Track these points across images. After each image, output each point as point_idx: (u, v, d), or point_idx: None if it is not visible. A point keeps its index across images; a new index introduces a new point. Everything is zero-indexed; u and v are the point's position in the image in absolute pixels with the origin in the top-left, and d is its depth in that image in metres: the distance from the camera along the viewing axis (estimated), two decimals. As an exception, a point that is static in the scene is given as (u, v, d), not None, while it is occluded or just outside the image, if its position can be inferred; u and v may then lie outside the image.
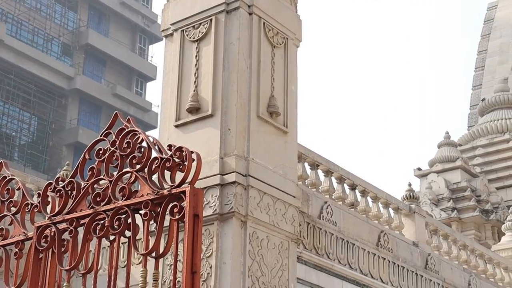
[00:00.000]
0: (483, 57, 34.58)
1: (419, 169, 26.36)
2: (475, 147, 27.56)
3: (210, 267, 7.36)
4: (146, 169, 5.36)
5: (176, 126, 8.17)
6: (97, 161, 5.62)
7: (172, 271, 5.17)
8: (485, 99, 29.59)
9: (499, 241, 19.25)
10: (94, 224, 5.45)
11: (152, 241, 5.21)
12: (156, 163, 5.33)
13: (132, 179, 5.43)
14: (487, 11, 36.10)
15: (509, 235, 17.29)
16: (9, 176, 6.23)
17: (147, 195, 5.29)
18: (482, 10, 36.92)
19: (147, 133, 5.66)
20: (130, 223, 5.31)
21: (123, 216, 5.33)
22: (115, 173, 5.53)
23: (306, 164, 9.91)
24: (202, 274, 7.35)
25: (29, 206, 6.01)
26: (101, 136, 5.74)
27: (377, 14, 78.43)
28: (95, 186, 5.61)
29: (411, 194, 11.89)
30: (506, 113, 28.35)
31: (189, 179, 5.22)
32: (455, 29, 75.25)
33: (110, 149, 5.56)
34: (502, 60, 33.72)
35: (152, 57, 44.35)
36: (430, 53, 75.91)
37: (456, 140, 27.80)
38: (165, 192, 5.23)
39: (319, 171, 10.13)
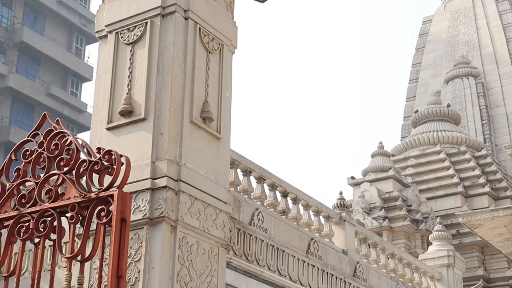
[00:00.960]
0: (417, 69, 35.31)
1: (352, 177, 26.71)
2: (407, 158, 28.09)
3: (139, 272, 7.31)
4: (73, 172, 5.28)
5: (108, 129, 8.09)
6: (23, 162, 5.52)
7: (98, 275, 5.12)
8: (418, 111, 30.21)
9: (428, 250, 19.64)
10: (18, 226, 5.34)
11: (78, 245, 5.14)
12: (84, 166, 5.26)
13: (59, 181, 5.35)
14: (422, 25, 36.89)
15: (436, 245, 17.66)
16: None
17: (74, 198, 5.21)
18: (418, 24, 37.66)
19: (81, 134, 5.60)
20: (55, 226, 5.23)
21: (49, 218, 5.24)
22: (42, 175, 5.44)
23: (238, 170, 9.95)
24: (130, 279, 7.29)
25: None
26: (28, 136, 5.63)
27: (314, 21, 79.26)
28: (20, 187, 5.51)
29: (342, 202, 12.05)
30: (438, 125, 29.00)
31: (117, 183, 5.17)
32: (392, 41, 76.57)
33: (37, 150, 5.47)
34: (435, 74, 34.50)
35: (89, 57, 43.80)
36: (367, 63, 77.09)
37: (389, 150, 28.29)
38: (93, 195, 5.16)
39: (252, 178, 10.18)
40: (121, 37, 8.34)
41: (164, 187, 7.50)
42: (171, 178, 7.56)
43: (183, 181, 7.65)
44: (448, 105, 30.06)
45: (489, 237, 16.36)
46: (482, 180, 26.57)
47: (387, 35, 77.74)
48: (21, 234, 5.30)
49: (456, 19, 35.82)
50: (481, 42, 34.27)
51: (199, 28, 8.39)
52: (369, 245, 12.62)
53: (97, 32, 8.68)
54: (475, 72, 32.79)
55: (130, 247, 7.32)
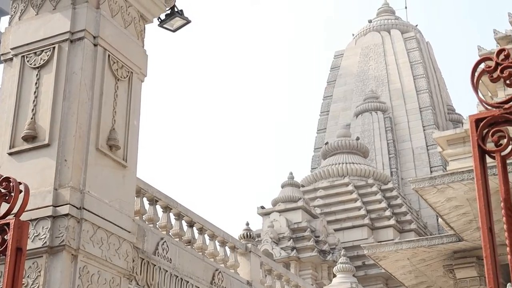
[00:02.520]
0: (328, 102, 36.00)
1: (262, 207, 26.85)
2: (316, 189, 28.49)
3: (36, 302, 7.11)
4: (-31, 199, 5.12)
5: (10, 154, 7.90)
6: None
7: (-10, 306, 4.96)
8: (328, 143, 30.76)
9: (334, 281, 19.88)
10: None
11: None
12: (-19, 193, 5.10)
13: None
14: (334, 59, 37.70)
15: (340, 277, 17.90)
16: None
17: (-32, 225, 5.05)
18: (330, 57, 38.47)
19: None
20: None
21: None
22: None
23: (145, 199, 9.86)
24: (27, 309, 7.09)
25: None
26: None
27: (227, 51, 79.87)
28: None
29: (248, 233, 12.08)
30: (347, 158, 29.58)
31: (15, 211, 5.04)
32: (306, 73, 77.90)
33: None
34: (346, 107, 35.25)
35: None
36: (280, 94, 78.06)
37: (299, 181, 28.61)
38: (-12, 223, 5.01)
39: (158, 207, 10.10)
40: (27, 61, 8.19)
41: (66, 215, 7.36)
42: (73, 206, 7.43)
43: (86, 209, 7.52)
44: (357, 138, 30.72)
45: (393, 269, 16.72)
46: (388, 213, 27.18)
47: (301, 67, 79.02)
48: None
49: (366, 54, 36.78)
50: (389, 78, 35.27)
51: (108, 55, 8.33)
52: (274, 276, 12.69)
53: (2, 54, 8.49)
54: (384, 107, 33.68)
55: (28, 277, 7.12)
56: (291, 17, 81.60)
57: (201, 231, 10.81)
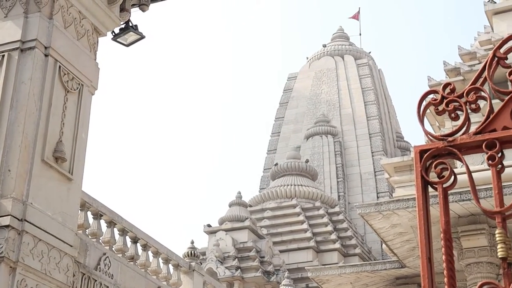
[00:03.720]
0: (280, 124, 36.18)
1: (208, 225, 26.76)
2: (264, 209, 28.53)
3: (-29, 315, 6.94)
4: None
5: (-48, 161, 7.71)
6: None
7: None
8: (277, 164, 30.87)
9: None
10: None
11: None
12: None
13: None
14: (287, 81, 37.96)
15: (283, 298, 17.90)
16: None
17: None
18: (284, 79, 38.71)
19: None
20: None
21: None
22: None
23: (89, 213, 9.73)
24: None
25: None
26: None
27: (183, 69, 79.80)
28: None
29: (192, 251, 12.01)
30: (296, 180, 29.71)
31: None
32: (259, 93, 78.19)
33: None
34: (297, 129, 35.47)
35: None
36: (231, 114, 78.15)
37: (247, 201, 28.61)
38: None
39: (102, 221, 9.97)
40: (-25, 68, 8.03)
41: (7, 226, 7.21)
42: (15, 217, 7.28)
43: (28, 221, 7.38)
44: (307, 161, 30.90)
45: (336, 293, 16.79)
46: (333, 236, 27.35)
47: (254, 88, 79.30)
48: None
49: (319, 78, 37.14)
50: (341, 103, 35.64)
51: (59, 66, 8.23)
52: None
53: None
54: (334, 131, 33.99)
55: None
56: (247, 36, 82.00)
57: (145, 247, 10.71)
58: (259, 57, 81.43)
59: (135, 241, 10.53)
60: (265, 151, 35.68)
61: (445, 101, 3.74)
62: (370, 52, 39.19)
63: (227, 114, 77.65)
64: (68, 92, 8.32)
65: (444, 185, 3.64)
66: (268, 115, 71.92)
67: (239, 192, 27.94)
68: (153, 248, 10.84)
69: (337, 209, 29.06)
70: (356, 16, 42.23)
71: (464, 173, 3.71)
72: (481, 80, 3.74)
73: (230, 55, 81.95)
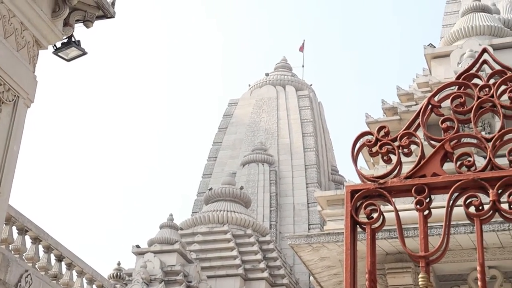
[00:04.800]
0: (217, 148, 36.16)
1: (137, 246, 26.43)
2: (195, 233, 28.34)
3: None
4: None
5: None
6: None
7: None
8: (212, 188, 30.76)
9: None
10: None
11: None
12: None
13: None
14: (228, 107, 38.05)
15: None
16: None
17: None
18: (224, 104, 38.81)
19: None
20: None
21: None
22: None
23: (14, 227, 9.49)
24: None
25: None
26: None
27: (120, 91, 79.19)
28: None
29: (118, 273, 11.83)
30: (229, 206, 29.64)
31: None
32: (198, 116, 78.13)
33: None
34: (234, 155, 35.50)
35: None
36: (169, 135, 77.83)
37: (179, 224, 28.39)
38: None
39: (27, 237, 9.74)
40: None
41: None
42: None
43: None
44: (241, 188, 30.89)
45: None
46: (262, 265, 27.33)
47: (194, 111, 79.19)
48: None
49: (260, 106, 37.33)
50: (279, 132, 35.87)
51: (-5, 76, 8.06)
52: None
53: None
54: (271, 160, 34.13)
55: None
56: (190, 60, 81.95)
57: (70, 266, 10.50)
58: (201, 81, 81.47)
59: (60, 259, 10.31)
60: (201, 175, 35.57)
61: (379, 143, 3.80)
62: (311, 85, 39.64)
63: (163, 135, 77.28)
64: (2, 103, 8.15)
65: (372, 226, 3.68)
66: (206, 139, 71.82)
67: (171, 215, 27.70)
68: (78, 268, 10.64)
69: (268, 238, 29.08)
70: (301, 48, 42.75)
71: (395, 209, 3.76)
72: (414, 125, 3.81)
73: (171, 77, 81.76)
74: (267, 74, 39.57)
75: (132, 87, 77.94)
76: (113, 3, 9.04)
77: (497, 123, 10.99)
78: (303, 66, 41.77)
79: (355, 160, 3.88)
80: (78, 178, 69.27)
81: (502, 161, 3.52)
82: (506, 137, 3.56)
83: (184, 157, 73.68)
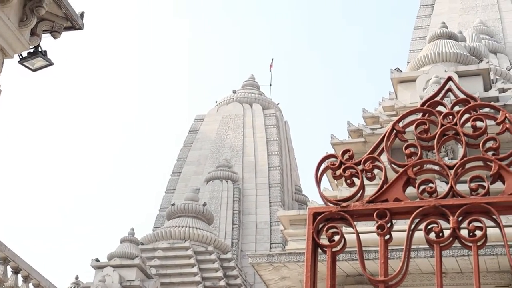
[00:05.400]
0: (182, 164, 36.03)
1: (97, 260, 26.14)
2: (155, 249, 28.13)
3: None
4: None
5: None
6: None
7: None
8: (174, 204, 30.61)
9: None
10: None
11: None
12: None
13: None
14: (194, 122, 37.99)
15: None
16: None
17: None
18: (190, 120, 38.72)
19: None
20: None
21: None
22: None
23: (-29, 237, 9.31)
24: None
25: None
26: None
27: (85, 104, 78.66)
28: None
29: (75, 287, 11.67)
30: (191, 222, 29.50)
31: None
32: (160, 132, 77.86)
33: None
34: (198, 171, 35.40)
35: None
36: (131, 149, 77.35)
37: (140, 239, 28.16)
38: None
39: (-16, 248, 9.57)
40: None
41: None
42: None
43: None
44: (204, 204, 30.79)
45: None
46: (222, 282, 27.21)
47: (159, 126, 78.86)
48: None
49: (226, 123, 37.35)
50: (245, 150, 35.89)
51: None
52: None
53: None
54: (235, 177, 34.10)
55: None
56: (157, 75, 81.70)
57: (26, 279, 10.33)
58: (168, 96, 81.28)
59: (16, 271, 10.14)
60: (164, 190, 35.39)
61: (343, 166, 3.81)
62: (278, 103, 39.78)
63: (128, 148, 76.80)
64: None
65: (333, 249, 3.68)
66: (171, 154, 71.54)
67: (132, 229, 27.49)
68: (35, 281, 10.47)
69: (229, 255, 28.99)
70: (270, 67, 42.96)
71: (357, 233, 3.77)
72: (379, 150, 3.83)
73: (136, 91, 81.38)
74: (234, 91, 39.63)
75: (97, 100, 77.48)
76: (81, 15, 8.98)
77: (460, 149, 11.14)
78: (270, 85, 41.95)
79: (318, 182, 3.89)
80: (42, 188, 68.47)
81: (464, 187, 3.56)
82: (468, 165, 3.59)
83: (148, 171, 73.27)
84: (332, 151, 18.33)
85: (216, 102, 39.51)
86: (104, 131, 77.13)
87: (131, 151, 76.39)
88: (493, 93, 18.43)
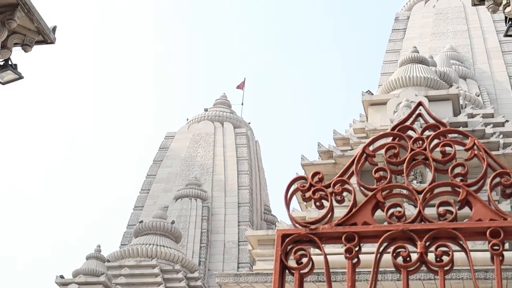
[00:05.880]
0: (151, 181, 35.84)
1: (61, 277, 25.86)
2: (122, 266, 27.88)
3: None
4: None
5: None
6: None
7: None
8: (142, 221, 30.40)
9: None
10: None
11: None
12: None
13: None
14: (164, 139, 37.87)
15: None
16: None
17: None
18: (161, 137, 38.58)
19: None
20: None
21: None
22: None
23: None
24: None
25: None
26: None
27: (55, 118, 78.14)
28: None
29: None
30: (159, 240, 29.30)
31: None
32: (130, 150, 77.52)
33: None
34: (167, 188, 35.24)
35: None
36: (100, 166, 76.81)
37: (106, 256, 27.90)
38: None
39: None
40: None
41: None
42: None
43: None
44: (173, 222, 30.63)
45: None
46: (189, 301, 27.05)
47: (130, 142, 78.53)
48: None
49: (197, 141, 37.28)
50: (215, 168, 35.83)
51: None
52: None
53: None
54: (204, 196, 34.00)
55: None
56: (127, 91, 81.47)
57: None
58: (138, 113, 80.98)
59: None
60: (132, 206, 35.14)
61: (312, 189, 3.81)
62: (250, 123, 39.84)
63: (96, 164, 76.20)
64: None
65: (301, 272, 3.67)
66: (140, 171, 71.16)
67: (99, 246, 27.25)
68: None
69: (196, 274, 28.82)
70: (241, 86, 43.01)
71: (325, 255, 3.76)
72: (348, 173, 3.84)
73: (107, 107, 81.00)
74: (206, 110, 39.62)
75: (64, 116, 76.94)
76: (53, 29, 8.93)
77: (429, 173, 11.21)
78: (242, 104, 42.01)
79: (288, 204, 3.88)
80: (9, 204, 67.63)
81: (432, 210, 3.58)
82: (436, 190, 3.61)
83: (115, 188, 72.78)
84: (302, 172, 18.38)
85: (187, 119, 39.47)
86: (70, 146, 76.56)
87: (98, 167, 75.82)
88: (462, 118, 18.65)
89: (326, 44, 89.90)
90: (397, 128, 3.83)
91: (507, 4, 7.00)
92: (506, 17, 7.66)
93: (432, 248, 3.51)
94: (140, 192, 35.58)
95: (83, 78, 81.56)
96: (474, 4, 7.32)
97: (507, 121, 20.47)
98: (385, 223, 3.72)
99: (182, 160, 36.50)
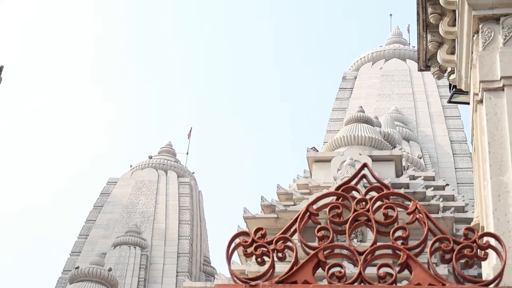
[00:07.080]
0: (90, 226, 35.25)
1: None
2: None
3: None
4: None
5: None
6: None
7: None
8: (79, 267, 29.80)
9: None
10: None
11: None
12: None
13: None
14: (106, 185, 37.40)
15: None
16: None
17: None
18: (103, 183, 38.07)
19: None
20: None
21: None
22: None
23: None
24: None
25: None
26: None
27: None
28: None
29: None
30: (95, 287, 28.72)
31: None
32: (73, 195, 76.33)
33: None
34: (106, 235, 34.67)
35: None
36: (40, 213, 75.36)
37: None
38: None
39: None
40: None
41: None
42: None
43: None
44: (110, 269, 30.08)
45: None
46: None
47: (72, 190, 77.36)
48: None
49: (139, 188, 36.92)
50: (156, 217, 35.46)
51: None
52: None
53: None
54: (143, 244, 33.54)
55: None
56: (70, 134, 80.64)
57: None
58: (83, 156, 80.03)
59: None
60: (69, 252, 34.42)
61: (254, 244, 3.79)
62: (194, 172, 39.70)
63: (30, 208, 74.66)
64: None
65: (239, 328, 3.63)
66: (79, 216, 69.99)
67: (33, 290, 26.56)
68: None
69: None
70: (188, 135, 42.99)
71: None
72: (291, 230, 3.84)
73: (48, 148, 79.89)
74: (150, 157, 39.37)
75: (10, 158, 75.57)
76: (0, 69, 8.82)
77: (369, 232, 11.29)
78: (187, 153, 41.88)
79: (229, 259, 3.85)
80: None
81: (373, 270, 3.59)
82: (377, 252, 3.64)
83: (52, 232, 71.31)
84: (243, 225, 18.32)
85: (131, 166, 39.12)
86: (14, 191, 75.00)
87: (34, 210, 74.33)
88: (404, 179, 18.93)
89: (274, 97, 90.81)
90: (341, 188, 3.86)
91: (452, 72, 7.18)
92: (450, 84, 7.85)
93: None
94: (78, 237, 34.91)
95: (28, 119, 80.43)
96: (420, 70, 7.49)
97: (447, 184, 20.86)
98: (325, 282, 3.71)
99: (124, 206, 36.04)
